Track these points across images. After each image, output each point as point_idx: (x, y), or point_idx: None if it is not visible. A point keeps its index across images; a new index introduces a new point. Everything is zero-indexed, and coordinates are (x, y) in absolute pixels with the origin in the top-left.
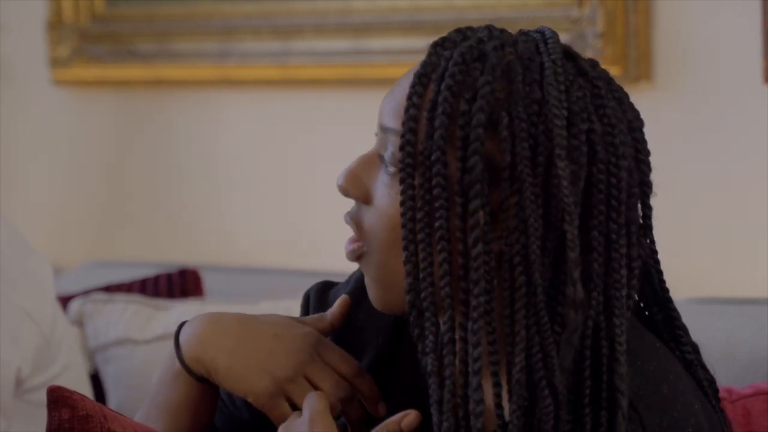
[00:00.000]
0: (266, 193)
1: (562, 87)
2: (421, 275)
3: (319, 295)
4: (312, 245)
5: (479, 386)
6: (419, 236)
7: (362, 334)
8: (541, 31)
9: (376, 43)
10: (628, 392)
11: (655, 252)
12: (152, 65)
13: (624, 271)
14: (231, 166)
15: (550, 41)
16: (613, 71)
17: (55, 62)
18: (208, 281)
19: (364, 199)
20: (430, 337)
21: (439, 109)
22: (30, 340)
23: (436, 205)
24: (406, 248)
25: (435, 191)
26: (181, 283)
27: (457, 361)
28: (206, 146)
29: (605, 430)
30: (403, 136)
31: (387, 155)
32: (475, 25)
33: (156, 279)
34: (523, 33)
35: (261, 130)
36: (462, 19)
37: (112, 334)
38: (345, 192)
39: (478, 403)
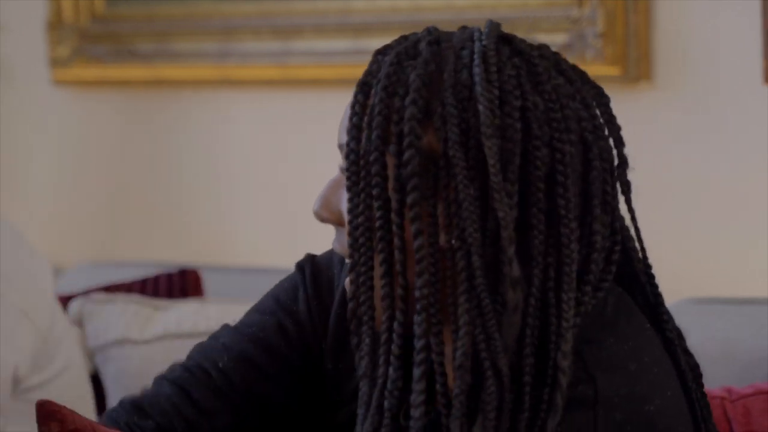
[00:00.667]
0: (266, 193)
1: (493, 68)
2: (360, 279)
3: (313, 270)
4: (312, 245)
5: (422, 377)
6: (360, 240)
7: None
8: (483, 24)
9: (376, 43)
10: (570, 372)
11: (636, 229)
12: (152, 65)
13: (574, 246)
14: (231, 166)
15: (486, 29)
16: (613, 71)
17: (55, 62)
18: (208, 281)
19: (339, 221)
20: (366, 341)
21: (375, 110)
22: (27, 339)
23: (375, 206)
24: (351, 256)
25: (374, 191)
26: (181, 283)
27: (391, 358)
28: (206, 146)
29: (546, 407)
30: (348, 144)
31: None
32: (474, 25)
33: (156, 279)
34: (463, 27)
35: (261, 130)
36: (462, 19)
37: (111, 334)
38: (321, 219)
39: (419, 393)
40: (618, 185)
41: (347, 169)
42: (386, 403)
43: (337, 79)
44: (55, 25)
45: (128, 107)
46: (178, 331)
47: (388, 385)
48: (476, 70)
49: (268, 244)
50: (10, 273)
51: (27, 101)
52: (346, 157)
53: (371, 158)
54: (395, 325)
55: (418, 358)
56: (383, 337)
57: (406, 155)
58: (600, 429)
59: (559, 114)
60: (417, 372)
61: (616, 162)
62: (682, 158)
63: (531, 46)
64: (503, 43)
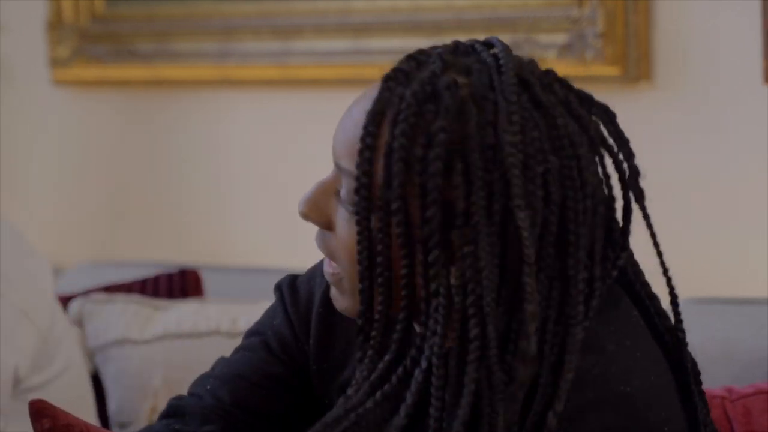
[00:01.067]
0: (266, 193)
1: (517, 128)
2: (377, 316)
3: (291, 290)
4: (311, 245)
5: None
6: (379, 280)
7: (344, 332)
8: (494, 54)
9: (376, 43)
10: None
11: (652, 235)
12: (152, 65)
13: (581, 308)
14: (231, 166)
15: (503, 69)
16: (613, 71)
17: (55, 62)
18: (207, 281)
19: (326, 226)
20: (364, 373)
21: (395, 156)
22: (27, 339)
23: (402, 253)
24: (361, 282)
25: (399, 240)
26: (181, 283)
27: (382, 400)
28: (206, 146)
29: None
30: (358, 179)
31: (343, 194)
32: (474, 25)
33: (156, 279)
34: (477, 57)
35: (261, 130)
36: (462, 19)
37: (111, 334)
38: (306, 219)
39: None
40: (631, 194)
41: (357, 204)
42: None
43: (337, 79)
44: (55, 25)
45: (128, 107)
46: (178, 331)
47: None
48: (503, 134)
49: (268, 244)
50: (10, 273)
51: (27, 101)
52: (356, 191)
53: (393, 207)
54: (400, 369)
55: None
56: (383, 377)
57: (430, 212)
58: (572, 405)
59: (574, 172)
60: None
61: (627, 174)
62: (682, 158)
63: (544, 86)
64: (522, 89)
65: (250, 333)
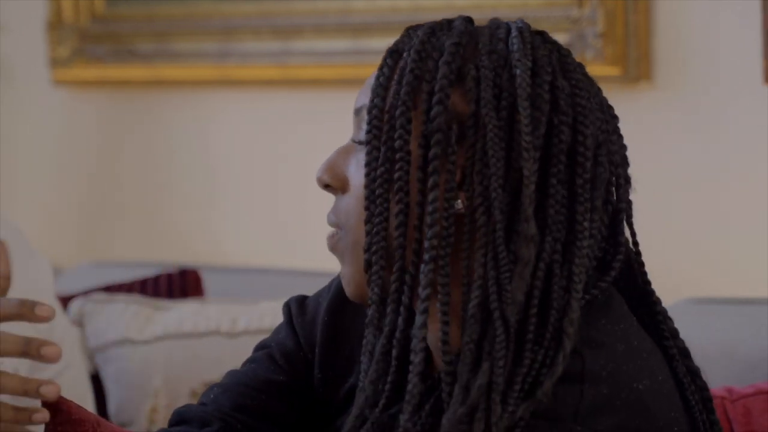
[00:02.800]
0: (266, 193)
1: (528, 44)
2: (374, 229)
3: (299, 304)
4: (311, 245)
5: (424, 324)
6: (377, 191)
7: (349, 340)
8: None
9: (376, 43)
10: (574, 338)
11: (635, 244)
12: (152, 65)
13: (587, 224)
14: (231, 166)
15: (519, 21)
16: (613, 71)
17: (55, 62)
18: (207, 281)
19: (342, 186)
20: (376, 290)
21: (407, 70)
22: None
23: (397, 157)
24: (367, 208)
25: (396, 144)
26: (181, 284)
27: (401, 308)
28: (206, 146)
29: (539, 366)
30: (372, 101)
31: (361, 134)
32: None
33: (156, 279)
34: (494, 20)
35: (261, 130)
36: None
37: (112, 335)
38: (322, 182)
39: (421, 340)
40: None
41: (369, 123)
42: (394, 352)
43: (337, 79)
44: (55, 25)
45: (128, 107)
46: (178, 331)
47: (397, 334)
48: (513, 41)
49: (268, 244)
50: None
51: (27, 101)
52: (369, 112)
53: (397, 113)
54: (406, 276)
55: (422, 306)
56: (393, 287)
57: (434, 111)
58: (586, 402)
59: (584, 101)
60: (420, 320)
61: (621, 181)
62: (682, 158)
63: (558, 46)
64: (535, 33)
65: (258, 347)
